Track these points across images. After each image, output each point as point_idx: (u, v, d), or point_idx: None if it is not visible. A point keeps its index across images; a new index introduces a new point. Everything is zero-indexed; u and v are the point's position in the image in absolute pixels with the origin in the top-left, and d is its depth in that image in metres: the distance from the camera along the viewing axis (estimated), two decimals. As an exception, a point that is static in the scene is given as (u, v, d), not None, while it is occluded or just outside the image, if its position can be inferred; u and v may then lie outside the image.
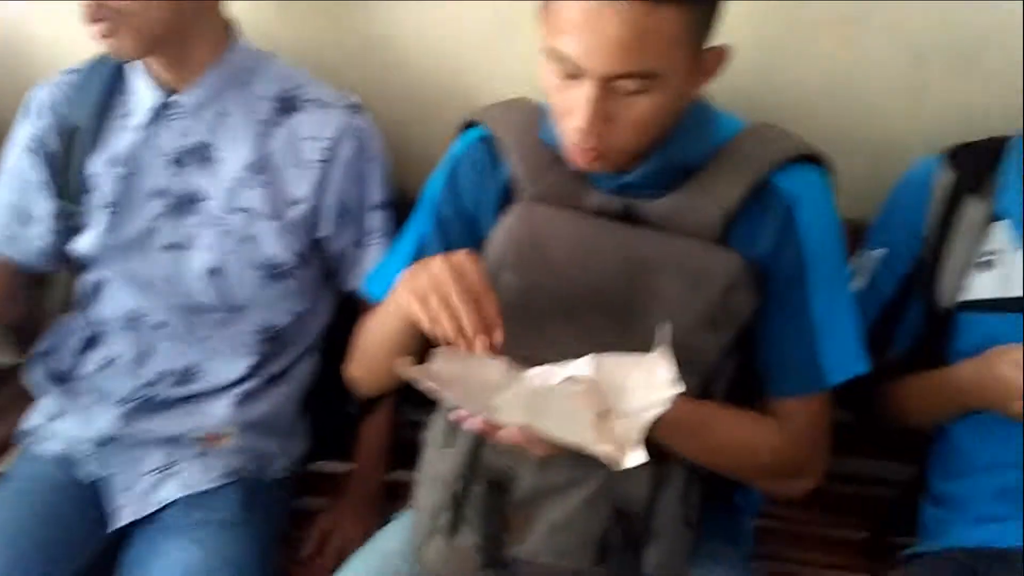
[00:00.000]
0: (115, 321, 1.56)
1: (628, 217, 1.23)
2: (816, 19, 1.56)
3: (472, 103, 1.41)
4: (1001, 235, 1.36)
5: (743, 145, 1.23)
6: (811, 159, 1.25)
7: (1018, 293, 1.34)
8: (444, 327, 1.09)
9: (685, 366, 1.08)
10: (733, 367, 1.26)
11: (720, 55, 1.17)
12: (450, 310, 1.09)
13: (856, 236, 1.49)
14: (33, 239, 1.58)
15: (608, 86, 1.10)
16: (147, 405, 1.54)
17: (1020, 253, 1.34)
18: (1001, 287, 1.35)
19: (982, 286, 1.36)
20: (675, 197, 1.22)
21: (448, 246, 1.30)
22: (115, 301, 1.56)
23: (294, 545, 1.58)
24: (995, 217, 1.36)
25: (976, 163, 1.40)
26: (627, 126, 1.13)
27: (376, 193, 1.54)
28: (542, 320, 1.21)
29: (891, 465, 1.53)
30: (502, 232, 1.25)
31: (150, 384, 1.55)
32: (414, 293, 1.11)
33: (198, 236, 1.49)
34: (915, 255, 1.43)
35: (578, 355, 1.10)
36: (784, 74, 1.59)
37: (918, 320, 1.44)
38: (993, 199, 1.37)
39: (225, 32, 1.48)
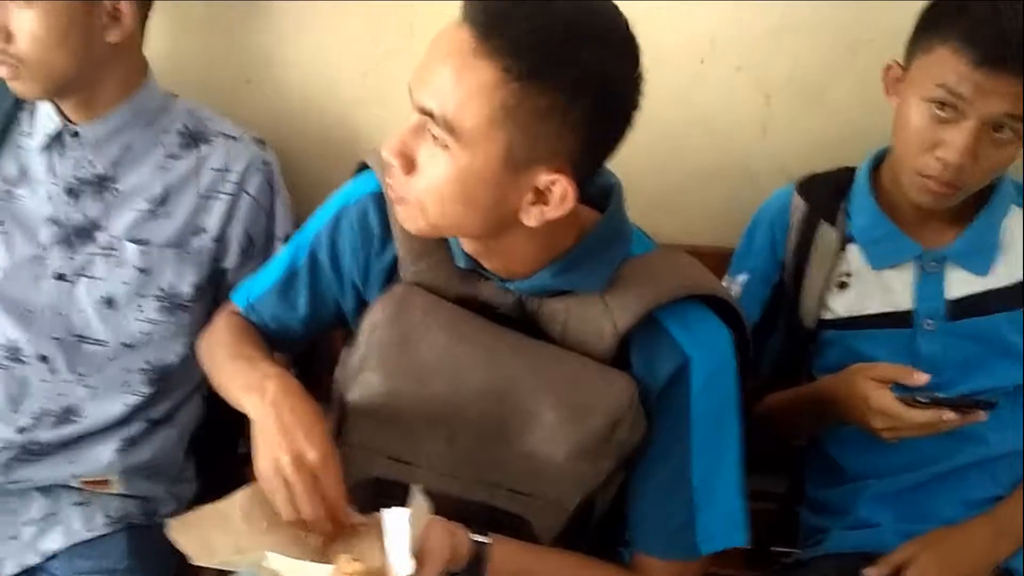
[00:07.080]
0: None
1: (519, 314, 1.17)
2: (666, 56, 1.61)
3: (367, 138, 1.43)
4: (854, 257, 1.46)
5: (645, 269, 1.16)
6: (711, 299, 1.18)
7: (872, 311, 1.45)
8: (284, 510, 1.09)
9: (566, 483, 1.11)
10: (621, 479, 1.20)
11: None
12: (295, 513, 1.08)
13: (719, 263, 1.54)
14: None
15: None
16: (25, 452, 1.46)
17: (872, 274, 1.45)
18: (857, 305, 1.46)
19: (840, 305, 1.47)
20: (570, 301, 1.15)
21: (315, 288, 1.29)
22: None
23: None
24: (847, 241, 1.47)
25: (827, 192, 1.50)
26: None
27: (282, 226, 1.55)
28: (410, 424, 1.15)
29: (769, 478, 1.60)
30: (368, 325, 1.17)
31: (26, 429, 1.46)
32: (261, 470, 1.10)
33: (91, 266, 1.47)
34: (776, 280, 1.52)
35: (449, 466, 1.13)
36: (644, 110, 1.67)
37: (782, 340, 1.53)
38: (844, 225, 1.47)
39: (137, 73, 1.49)
